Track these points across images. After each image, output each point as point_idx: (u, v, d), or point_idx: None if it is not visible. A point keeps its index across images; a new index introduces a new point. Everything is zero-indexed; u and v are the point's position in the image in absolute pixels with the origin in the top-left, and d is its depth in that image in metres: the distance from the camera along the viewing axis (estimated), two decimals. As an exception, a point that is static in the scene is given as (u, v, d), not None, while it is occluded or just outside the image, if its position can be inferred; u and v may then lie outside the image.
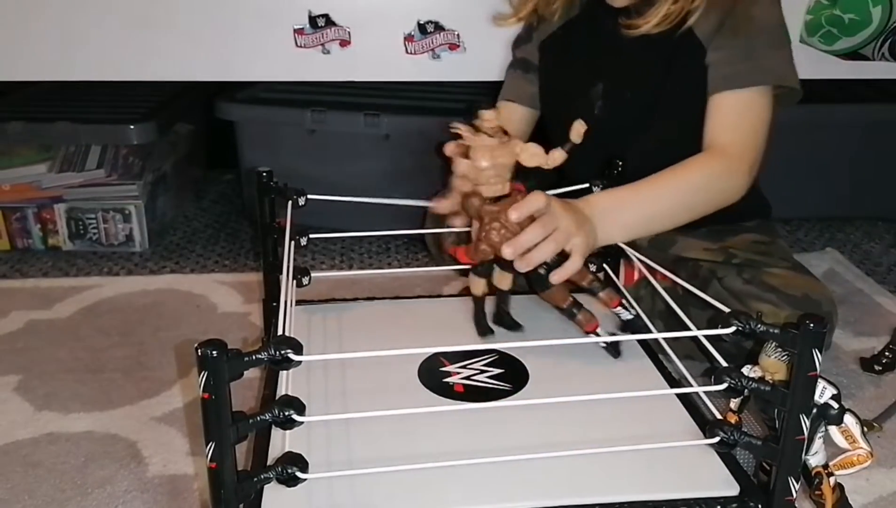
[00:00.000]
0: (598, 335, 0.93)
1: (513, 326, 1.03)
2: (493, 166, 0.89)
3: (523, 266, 0.90)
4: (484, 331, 1.01)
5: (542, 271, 0.91)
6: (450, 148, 0.95)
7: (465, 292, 1.31)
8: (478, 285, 1.00)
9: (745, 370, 0.83)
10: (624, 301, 0.99)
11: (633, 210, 1.04)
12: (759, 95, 1.09)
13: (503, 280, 1.00)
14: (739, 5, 1.09)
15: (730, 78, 1.08)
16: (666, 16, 1.09)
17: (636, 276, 1.17)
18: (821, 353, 0.64)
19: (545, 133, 1.35)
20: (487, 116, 0.88)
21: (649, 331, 0.92)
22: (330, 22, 1.39)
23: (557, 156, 0.91)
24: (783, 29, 1.12)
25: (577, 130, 0.91)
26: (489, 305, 1.03)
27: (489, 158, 0.89)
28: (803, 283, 1.09)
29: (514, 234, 0.89)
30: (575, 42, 1.22)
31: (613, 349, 0.96)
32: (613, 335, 0.98)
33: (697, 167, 1.06)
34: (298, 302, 1.07)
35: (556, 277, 0.91)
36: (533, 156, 0.90)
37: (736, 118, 1.09)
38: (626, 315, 0.99)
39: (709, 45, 1.09)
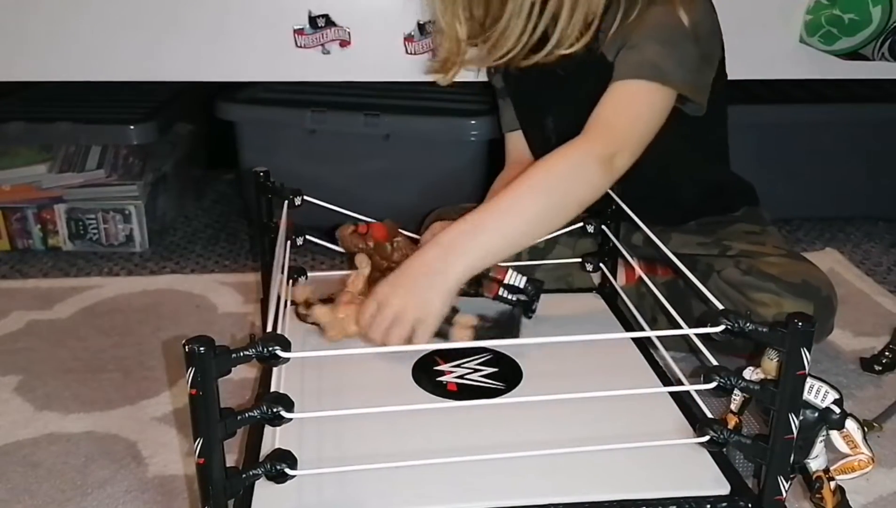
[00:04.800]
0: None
1: None
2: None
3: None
4: None
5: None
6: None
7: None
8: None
9: (748, 372, 0.83)
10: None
11: (489, 233, 0.95)
12: (644, 89, 1.02)
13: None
14: (635, 14, 1.05)
15: (617, 70, 1.04)
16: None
17: (636, 275, 1.18)
18: (810, 351, 0.64)
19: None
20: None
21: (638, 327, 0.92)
22: (330, 22, 1.39)
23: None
24: (682, 31, 1.04)
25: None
26: None
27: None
28: (801, 269, 1.09)
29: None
30: (521, 79, 1.22)
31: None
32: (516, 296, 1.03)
33: (552, 165, 0.99)
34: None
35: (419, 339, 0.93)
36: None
37: (611, 109, 1.03)
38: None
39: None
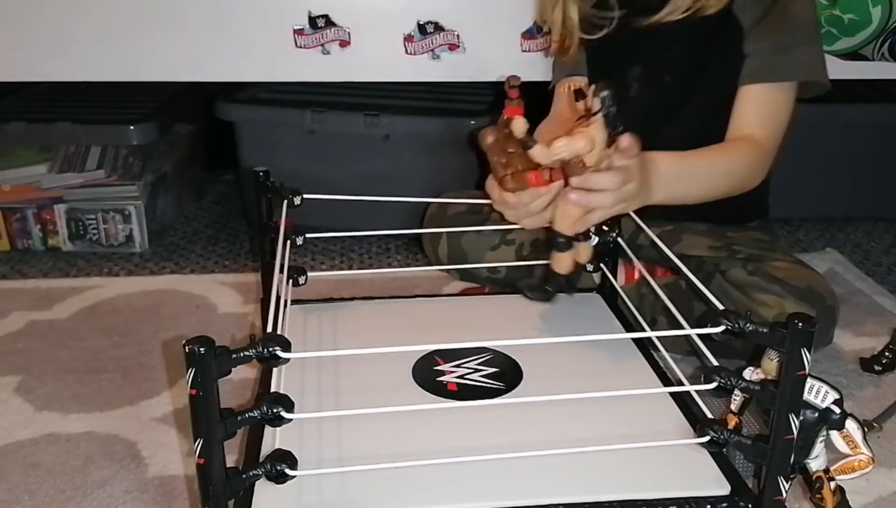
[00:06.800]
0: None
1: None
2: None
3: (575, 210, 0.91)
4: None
5: None
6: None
7: (465, 292, 1.32)
8: (562, 263, 0.96)
9: (748, 372, 0.83)
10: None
11: (685, 184, 1.05)
12: (789, 90, 1.12)
13: (584, 253, 0.98)
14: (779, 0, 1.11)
15: (765, 70, 1.10)
16: (685, 8, 1.11)
17: (636, 275, 1.18)
18: (810, 352, 0.64)
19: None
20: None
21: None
22: (330, 22, 1.40)
23: None
24: (817, 26, 1.15)
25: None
26: None
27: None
28: (807, 276, 1.10)
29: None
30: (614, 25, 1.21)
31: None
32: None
33: (738, 154, 1.10)
34: (295, 301, 1.07)
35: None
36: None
37: (768, 111, 1.12)
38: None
39: (748, 34, 1.11)
